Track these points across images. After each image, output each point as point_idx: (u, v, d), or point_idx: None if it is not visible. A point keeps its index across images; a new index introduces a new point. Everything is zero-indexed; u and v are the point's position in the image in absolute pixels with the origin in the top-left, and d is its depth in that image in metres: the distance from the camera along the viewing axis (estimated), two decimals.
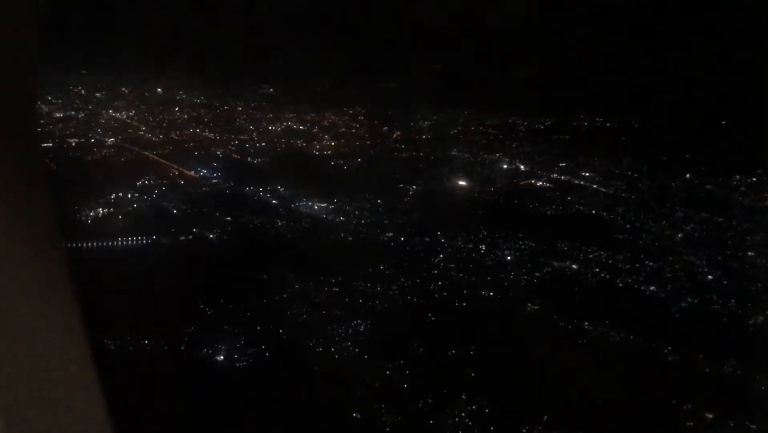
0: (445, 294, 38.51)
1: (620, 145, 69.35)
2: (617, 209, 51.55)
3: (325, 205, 50.37)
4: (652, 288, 41.11)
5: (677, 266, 43.75)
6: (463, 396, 29.54)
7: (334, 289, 37.74)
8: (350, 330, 34.07)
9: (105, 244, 41.98)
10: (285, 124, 71.32)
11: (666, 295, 40.42)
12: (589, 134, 73.76)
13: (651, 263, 43.86)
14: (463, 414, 28.56)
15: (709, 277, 42.13)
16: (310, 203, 50.54)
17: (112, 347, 31.13)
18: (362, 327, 34.35)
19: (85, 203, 47.57)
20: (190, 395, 28.61)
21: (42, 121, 65.33)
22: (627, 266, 43.43)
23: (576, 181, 58.41)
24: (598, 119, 77.79)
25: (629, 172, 59.82)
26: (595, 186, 57.42)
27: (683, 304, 39.47)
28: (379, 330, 34.23)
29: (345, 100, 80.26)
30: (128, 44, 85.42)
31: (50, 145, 58.74)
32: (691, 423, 28.58)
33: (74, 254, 40.09)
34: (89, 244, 41.66)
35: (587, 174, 58.80)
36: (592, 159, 62.49)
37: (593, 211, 51.74)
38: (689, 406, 29.44)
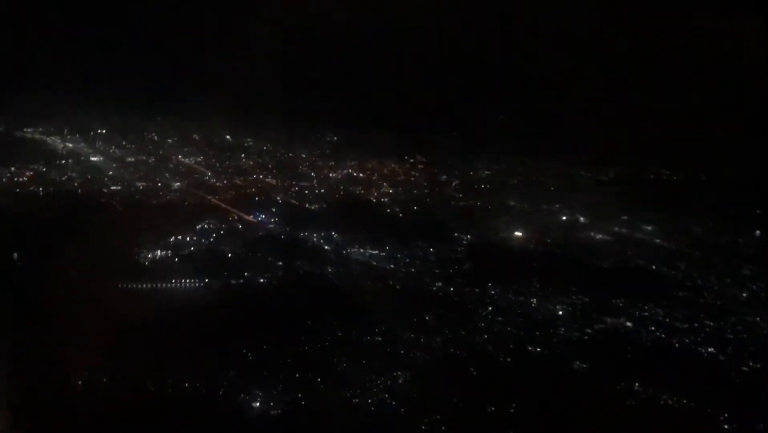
0: (489, 348, 37.81)
1: (687, 198, 67.39)
2: (678, 265, 49.85)
3: (376, 252, 50.51)
4: (710, 349, 39.31)
5: (739, 327, 41.82)
6: None
7: (376, 338, 37.47)
8: (389, 381, 33.67)
9: (158, 285, 42.87)
10: (345, 171, 72.37)
11: (725, 357, 38.55)
12: (654, 187, 72.00)
13: (711, 323, 42.06)
14: None
15: None
16: (361, 250, 50.76)
17: (151, 388, 31.41)
18: (401, 379, 33.83)
19: (145, 246, 48.75)
20: None
21: (114, 165, 68.01)
22: (685, 325, 41.77)
23: (637, 235, 57.01)
24: (664, 172, 75.96)
25: (694, 227, 57.86)
26: (657, 240, 55.88)
27: (744, 368, 37.51)
28: (417, 383, 33.63)
29: (406, 149, 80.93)
30: (201, 91, 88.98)
31: (119, 188, 60.66)
32: None
33: (126, 295, 41.20)
34: (142, 285, 42.59)
35: (649, 228, 57.35)
36: (655, 212, 60.89)
37: (653, 267, 50.20)
38: None
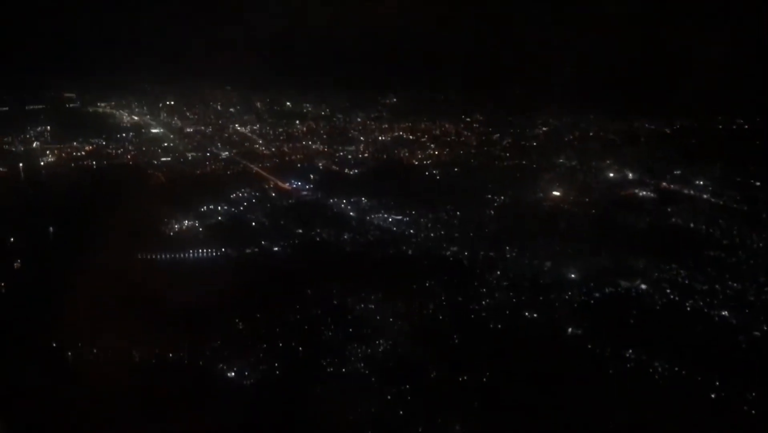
0: (483, 315, 37.12)
1: (754, 151, 63.37)
2: (720, 222, 47.04)
3: (400, 217, 50.28)
4: (724, 313, 37.20)
5: (766, 289, 39.24)
6: (457, 427, 28.16)
7: (369, 306, 37.49)
8: (369, 350, 33.76)
9: (175, 256, 44.40)
10: (396, 133, 71.95)
11: (737, 321, 36.39)
12: (719, 138, 68.01)
13: (735, 284, 39.78)
14: None
15: None
16: (386, 215, 50.74)
17: (136, 359, 32.85)
18: (381, 348, 33.83)
19: (175, 216, 50.46)
20: (192, 409, 29.57)
21: (171, 136, 70.31)
22: (704, 287, 39.73)
23: (685, 191, 54.14)
24: (737, 121, 71.56)
25: (752, 181, 54.35)
26: (705, 196, 52.84)
27: (756, 332, 35.29)
28: (396, 352, 33.54)
29: (467, 107, 79.59)
30: (269, 60, 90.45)
31: (169, 159, 62.77)
32: None
33: (142, 266, 42.96)
34: (160, 256, 44.23)
35: (701, 182, 54.40)
36: (714, 165, 57.57)
37: (691, 225, 47.64)
38: None
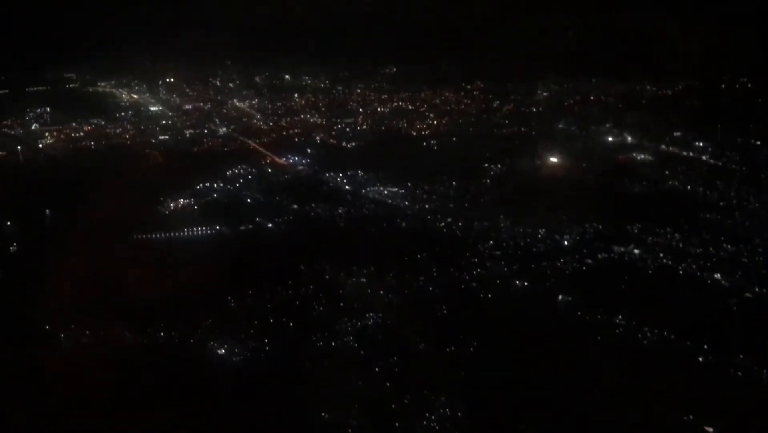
0: (474, 285, 37.04)
1: (757, 111, 62.57)
2: (718, 184, 46.66)
3: (395, 189, 50.24)
4: (716, 276, 36.99)
5: (760, 250, 38.97)
6: (442, 398, 28.30)
7: (361, 280, 37.54)
8: (359, 324, 33.83)
9: (170, 235, 44.57)
10: (395, 104, 71.53)
11: (730, 284, 36.17)
12: (724, 98, 67.11)
13: (729, 247, 39.50)
14: (434, 417, 27.42)
15: None
16: (381, 188, 50.67)
17: (129, 340, 33.16)
18: (371, 321, 33.91)
19: (171, 195, 50.57)
20: (180, 388, 29.90)
21: (170, 114, 70.27)
22: (698, 250, 39.53)
23: (684, 153, 53.63)
24: (741, 80, 70.58)
25: (753, 141, 53.76)
26: (704, 158, 52.35)
27: (747, 294, 35.08)
28: (385, 326, 33.62)
29: (467, 76, 78.94)
30: (266, 33, 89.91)
31: (167, 137, 62.76)
32: None
33: (136, 246, 43.18)
34: (155, 236, 44.41)
35: (701, 144, 53.87)
36: (715, 127, 56.98)
37: (688, 187, 47.28)
38: (691, 417, 26.26)
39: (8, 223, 45.28)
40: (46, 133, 65.18)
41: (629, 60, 73.56)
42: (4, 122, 66.57)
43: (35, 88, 77.52)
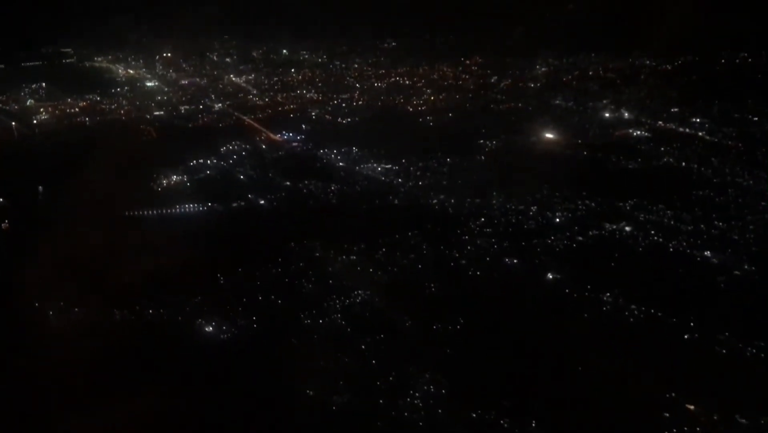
0: (463, 262, 37.02)
1: (755, 84, 62.06)
2: (713, 161, 46.42)
3: (389, 166, 50.11)
4: (706, 253, 36.88)
5: (751, 227, 38.83)
6: (426, 375, 28.37)
7: (351, 257, 37.52)
8: (347, 301, 33.86)
9: (162, 211, 44.55)
10: (393, 79, 71.20)
11: (719, 262, 36.05)
12: (723, 74, 66.58)
13: (721, 224, 39.40)
14: (418, 395, 27.51)
15: None
16: (375, 165, 50.49)
17: (117, 317, 33.27)
18: (359, 299, 33.93)
19: (164, 171, 50.49)
20: (166, 365, 30.04)
21: (166, 89, 69.94)
22: (689, 228, 39.42)
23: (681, 129, 53.31)
24: (741, 55, 69.92)
25: (751, 116, 53.37)
26: (701, 134, 52.01)
27: (736, 272, 35.01)
28: (373, 303, 33.64)
29: (466, 50, 78.48)
30: (265, 7, 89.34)
31: (162, 113, 62.52)
32: (667, 414, 25.47)
33: (128, 223, 43.18)
34: (147, 212, 44.40)
35: (698, 120, 53.60)
36: (713, 102, 56.63)
37: (683, 164, 47.09)
38: (673, 394, 26.29)
39: (1, 200, 45.08)
40: (41, 109, 64.98)
41: (629, 35, 72.79)
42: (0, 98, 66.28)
43: (31, 63, 77.14)
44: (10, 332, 31.73)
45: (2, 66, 75.97)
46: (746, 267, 34.90)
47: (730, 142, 50.75)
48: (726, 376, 27.90)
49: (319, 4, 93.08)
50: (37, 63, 77.93)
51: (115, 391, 27.08)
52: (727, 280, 34.13)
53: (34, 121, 62.04)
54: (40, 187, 47.07)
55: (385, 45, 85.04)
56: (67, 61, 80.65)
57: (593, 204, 42.41)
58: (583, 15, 79.91)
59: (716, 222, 39.38)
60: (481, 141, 54.12)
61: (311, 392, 27.98)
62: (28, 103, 65.92)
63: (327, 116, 62.59)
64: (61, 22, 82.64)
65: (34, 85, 69.85)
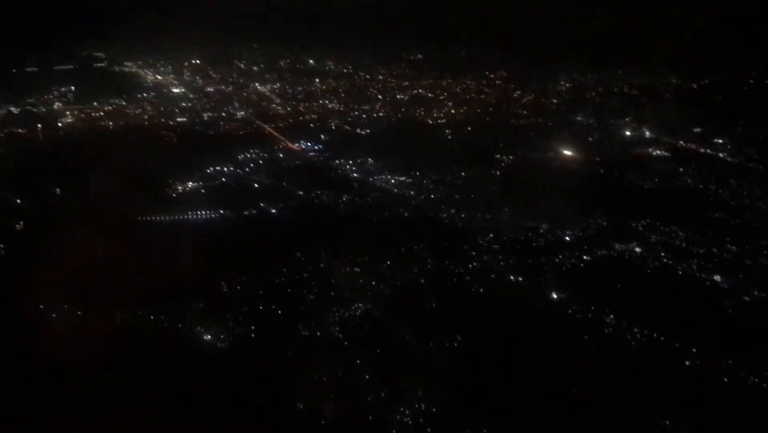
0: (466, 278, 36.74)
1: None
2: (731, 183, 45.54)
3: (403, 178, 50.00)
4: (716, 278, 36.15)
5: (765, 252, 38.01)
6: (419, 392, 28.20)
7: (355, 269, 37.49)
8: (346, 314, 33.81)
9: (175, 217, 44.96)
10: (415, 91, 71.38)
11: (728, 287, 35.36)
12: (750, 94, 65.72)
13: (733, 248, 38.59)
14: (408, 412, 27.34)
15: None
16: (389, 177, 50.45)
17: (119, 321, 33.58)
18: (359, 311, 33.86)
19: (180, 177, 51.00)
20: (162, 371, 30.23)
21: (191, 96, 70.78)
22: (701, 251, 38.65)
23: (702, 150, 52.51)
24: None
25: None
26: (721, 155, 51.21)
27: (746, 297, 34.28)
28: (372, 316, 33.55)
29: (492, 64, 78.61)
30: (294, 18, 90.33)
31: (184, 120, 63.26)
32: None
33: (139, 227, 43.66)
34: (160, 218, 44.83)
35: (720, 141, 52.71)
36: (737, 123, 55.77)
37: (700, 185, 46.27)
38: (667, 422, 25.80)
39: (18, 201, 45.86)
40: (67, 112, 66.10)
41: (656, 52, 72.19)
42: (29, 100, 67.58)
43: (64, 67, 78.66)
44: (10, 333, 31.85)
45: (36, 69, 77.52)
46: (756, 293, 34.05)
47: (751, 164, 49.82)
48: (725, 404, 27.18)
49: (348, 15, 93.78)
50: (69, 67, 79.35)
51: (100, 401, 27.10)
52: (735, 305, 33.41)
53: (59, 124, 62.94)
54: (57, 189, 47.59)
55: (411, 57, 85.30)
56: (98, 65, 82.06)
57: (605, 223, 41.97)
58: (609, 30, 79.33)
59: (729, 246, 38.62)
60: (498, 156, 53.82)
61: (301, 405, 27.73)
62: (55, 106, 67.16)
63: (346, 126, 62.74)
64: (97, 27, 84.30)
65: (63, 89, 71.20)
